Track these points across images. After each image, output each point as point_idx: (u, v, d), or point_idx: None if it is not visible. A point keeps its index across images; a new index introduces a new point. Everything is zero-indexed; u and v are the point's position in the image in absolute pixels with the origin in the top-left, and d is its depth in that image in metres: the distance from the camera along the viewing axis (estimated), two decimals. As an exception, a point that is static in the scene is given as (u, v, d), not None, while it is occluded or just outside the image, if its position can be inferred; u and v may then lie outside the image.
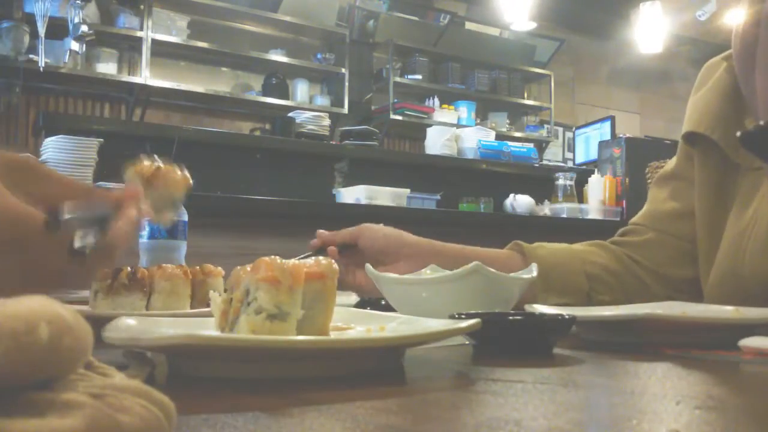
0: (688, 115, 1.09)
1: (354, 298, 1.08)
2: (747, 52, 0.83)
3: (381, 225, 1.09)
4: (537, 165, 4.72)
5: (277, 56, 4.85)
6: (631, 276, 1.08)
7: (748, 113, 0.96)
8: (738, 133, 0.72)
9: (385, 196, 3.43)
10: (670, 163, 1.16)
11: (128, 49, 4.44)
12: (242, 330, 0.51)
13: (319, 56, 5.03)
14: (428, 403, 0.44)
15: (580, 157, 5.04)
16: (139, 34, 4.29)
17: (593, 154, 4.51)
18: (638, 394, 0.44)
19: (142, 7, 4.35)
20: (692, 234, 1.07)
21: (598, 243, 1.13)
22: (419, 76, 5.37)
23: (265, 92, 4.81)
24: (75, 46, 3.90)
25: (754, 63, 0.82)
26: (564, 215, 3.85)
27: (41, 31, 3.73)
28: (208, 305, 0.60)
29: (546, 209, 3.99)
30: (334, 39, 5.13)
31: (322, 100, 5.00)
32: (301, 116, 4.34)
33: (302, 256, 0.79)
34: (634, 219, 1.16)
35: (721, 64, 1.06)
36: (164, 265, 0.91)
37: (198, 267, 0.91)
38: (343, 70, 4.98)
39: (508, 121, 5.91)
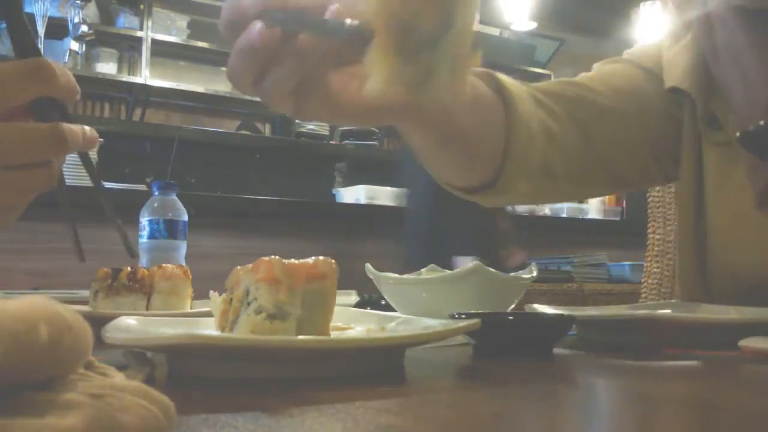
0: (665, 72, 0.97)
1: (354, 298, 1.08)
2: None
3: None
4: (537, 165, 4.71)
5: (277, 56, 4.84)
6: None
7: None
8: (737, 133, 0.72)
9: (385, 196, 3.43)
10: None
11: (128, 49, 4.43)
12: (242, 330, 0.51)
13: (319, 56, 5.02)
14: (428, 403, 0.44)
15: (580, 157, 5.03)
16: (138, 34, 4.28)
17: (593, 154, 4.50)
18: (638, 395, 0.44)
19: (142, 7, 4.34)
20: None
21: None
22: (419, 76, 5.36)
23: (265, 92, 4.80)
24: (75, 46, 3.89)
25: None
26: (564, 215, 3.85)
27: (41, 31, 3.72)
28: None
29: (546, 209, 3.99)
30: (334, 39, 5.12)
31: (322, 100, 4.99)
32: (301, 116, 4.34)
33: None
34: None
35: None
36: (164, 265, 0.91)
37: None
38: (343, 70, 4.98)
39: (508, 121, 5.90)
